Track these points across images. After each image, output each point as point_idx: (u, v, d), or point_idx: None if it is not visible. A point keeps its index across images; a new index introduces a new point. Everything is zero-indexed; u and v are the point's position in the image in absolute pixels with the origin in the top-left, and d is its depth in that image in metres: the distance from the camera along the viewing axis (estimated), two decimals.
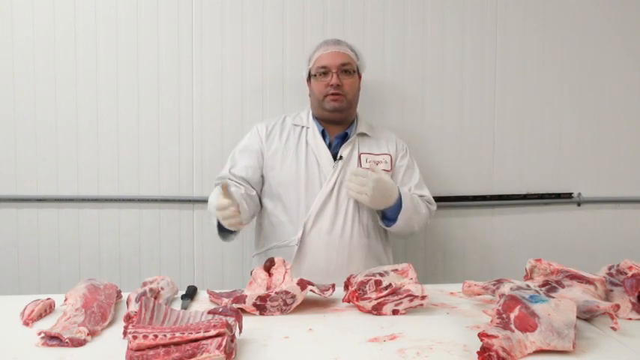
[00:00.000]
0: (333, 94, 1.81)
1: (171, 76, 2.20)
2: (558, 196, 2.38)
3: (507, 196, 2.35)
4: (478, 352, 1.05)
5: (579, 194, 2.38)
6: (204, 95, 2.21)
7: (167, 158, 2.21)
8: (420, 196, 1.89)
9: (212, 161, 2.21)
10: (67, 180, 2.19)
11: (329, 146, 1.86)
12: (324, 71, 1.82)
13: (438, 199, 2.29)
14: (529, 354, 1.09)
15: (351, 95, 1.85)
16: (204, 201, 2.19)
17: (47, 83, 2.16)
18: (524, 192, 2.36)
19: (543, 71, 2.34)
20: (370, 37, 2.25)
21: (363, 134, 1.90)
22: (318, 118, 1.90)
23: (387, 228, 1.82)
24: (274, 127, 1.90)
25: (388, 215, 1.78)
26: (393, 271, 1.48)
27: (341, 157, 1.82)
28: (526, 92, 2.33)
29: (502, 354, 1.04)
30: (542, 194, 2.36)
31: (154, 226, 2.24)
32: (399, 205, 1.74)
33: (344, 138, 1.88)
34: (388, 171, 1.86)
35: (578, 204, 2.39)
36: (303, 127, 1.89)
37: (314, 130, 1.87)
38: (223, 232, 1.73)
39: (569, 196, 2.38)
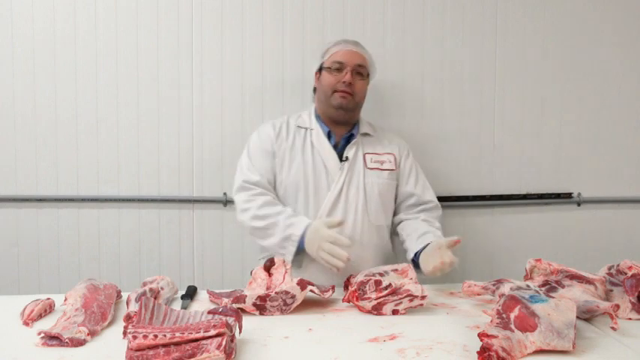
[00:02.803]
0: (343, 91, 1.79)
1: (172, 76, 2.19)
2: (558, 196, 2.37)
3: (507, 196, 2.35)
4: (478, 352, 1.05)
5: (579, 194, 2.38)
6: (204, 95, 2.21)
7: (167, 158, 2.21)
8: (426, 202, 1.88)
9: (212, 161, 2.20)
10: (67, 180, 2.19)
11: (334, 147, 1.84)
12: (339, 67, 1.80)
13: (438, 199, 2.30)
14: (529, 354, 1.09)
15: (359, 97, 1.84)
16: (204, 201, 2.21)
17: (47, 83, 2.16)
18: (524, 192, 2.36)
19: (543, 71, 2.33)
20: (370, 37, 2.24)
21: (366, 134, 1.90)
22: (322, 119, 1.88)
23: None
24: (281, 128, 1.86)
25: None
26: (392, 271, 1.49)
27: (347, 158, 1.81)
28: (526, 92, 2.33)
29: (502, 354, 1.04)
30: (542, 194, 2.36)
31: (154, 226, 2.23)
32: None
33: (349, 139, 1.86)
34: (393, 170, 1.86)
35: (578, 204, 2.39)
36: (307, 128, 1.86)
37: (318, 131, 1.85)
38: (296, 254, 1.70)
39: (569, 196, 2.38)
